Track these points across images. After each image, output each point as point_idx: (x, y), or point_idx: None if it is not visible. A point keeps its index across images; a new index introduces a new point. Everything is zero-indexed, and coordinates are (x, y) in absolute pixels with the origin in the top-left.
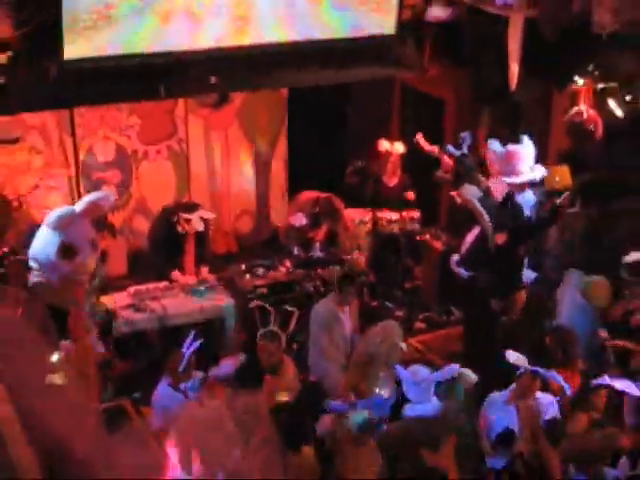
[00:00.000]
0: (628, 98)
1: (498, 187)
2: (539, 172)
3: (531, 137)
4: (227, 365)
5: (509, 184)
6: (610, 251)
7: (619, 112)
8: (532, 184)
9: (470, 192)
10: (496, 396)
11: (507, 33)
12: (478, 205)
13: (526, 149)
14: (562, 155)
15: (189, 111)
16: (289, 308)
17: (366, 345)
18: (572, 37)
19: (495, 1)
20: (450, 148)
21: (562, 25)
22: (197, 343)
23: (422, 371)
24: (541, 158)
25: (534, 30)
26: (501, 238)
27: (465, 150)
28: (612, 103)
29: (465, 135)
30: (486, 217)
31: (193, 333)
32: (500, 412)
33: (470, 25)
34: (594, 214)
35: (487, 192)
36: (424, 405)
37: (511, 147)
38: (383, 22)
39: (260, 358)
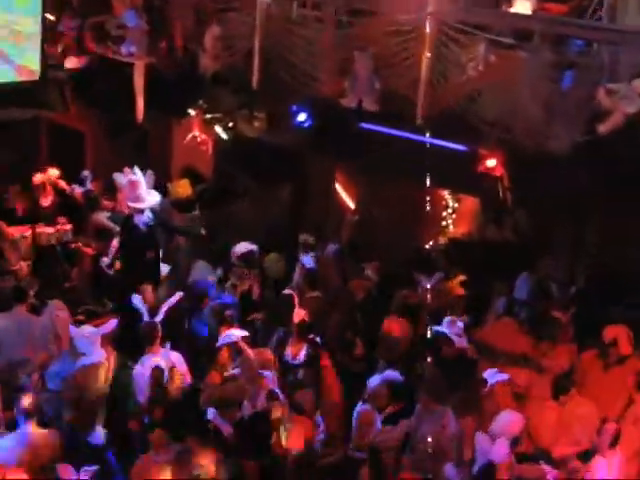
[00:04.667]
0: (230, 125)
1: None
2: (154, 197)
3: (157, 159)
4: None
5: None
6: (222, 246)
7: (224, 135)
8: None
9: (102, 216)
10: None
11: (133, 75)
12: (110, 224)
13: (141, 179)
14: (182, 171)
15: None
16: None
17: None
18: (185, 77)
19: (121, 51)
20: (75, 187)
21: (173, 68)
22: None
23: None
24: (166, 174)
25: (155, 72)
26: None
27: (88, 186)
28: (218, 129)
29: (86, 174)
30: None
31: None
32: None
33: (102, 70)
34: (209, 215)
35: (114, 211)
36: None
37: (132, 178)
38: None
39: None
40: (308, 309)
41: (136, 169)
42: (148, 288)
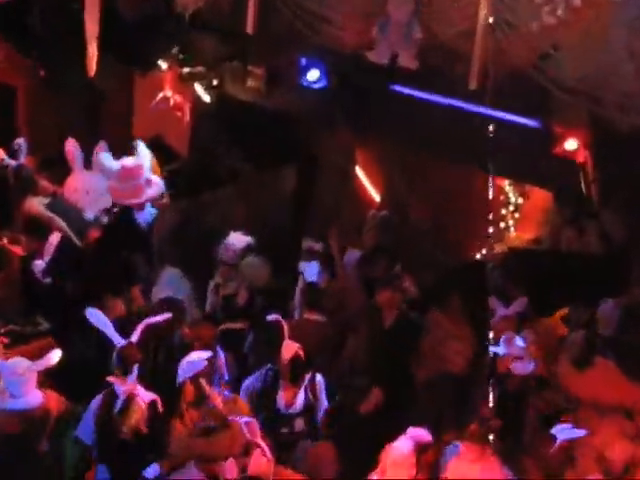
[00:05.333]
0: (215, 82)
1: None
2: (157, 187)
3: (113, 126)
4: None
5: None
6: (201, 243)
7: (206, 97)
8: None
9: (37, 203)
10: None
11: (83, 11)
12: (49, 214)
13: (144, 161)
14: (148, 144)
15: None
16: None
17: None
18: (154, 17)
19: None
20: (5, 159)
21: (138, 3)
22: None
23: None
24: (125, 147)
25: (112, 8)
26: (95, 233)
27: (22, 159)
28: (198, 88)
29: (20, 142)
30: (61, 223)
31: None
32: None
33: (38, 3)
34: (183, 205)
35: (55, 196)
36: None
37: (127, 163)
38: None
39: None
40: (305, 338)
41: (139, 143)
42: (118, 301)
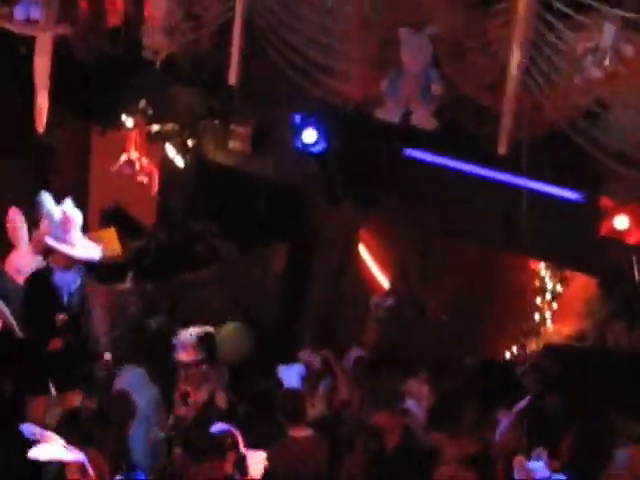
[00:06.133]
0: (190, 143)
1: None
2: (94, 250)
3: (66, 192)
4: None
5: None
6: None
7: (179, 161)
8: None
9: None
10: None
11: (32, 56)
12: None
13: (77, 214)
14: (108, 215)
15: None
16: None
17: None
18: (117, 63)
19: (15, 17)
20: None
21: (99, 48)
22: None
23: None
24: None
25: (67, 51)
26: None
27: None
28: (170, 150)
29: None
30: (3, 308)
31: None
32: None
33: None
34: (150, 291)
35: (1, 274)
36: None
37: (68, 210)
38: None
39: None
40: (293, 463)
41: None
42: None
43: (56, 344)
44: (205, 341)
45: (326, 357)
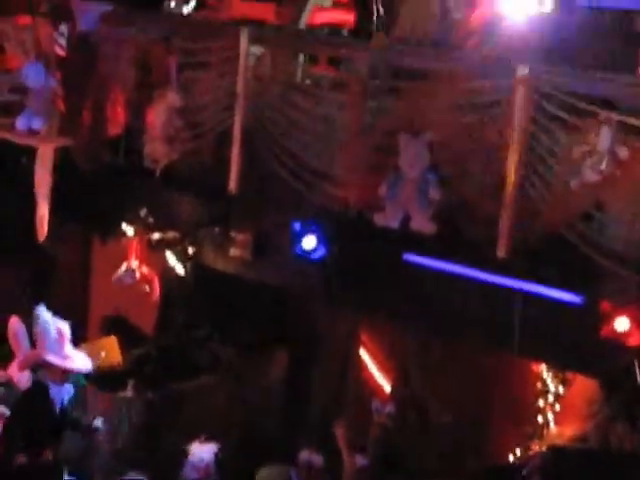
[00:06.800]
0: (191, 251)
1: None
2: (88, 361)
3: (67, 301)
4: None
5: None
6: (172, 444)
7: (180, 269)
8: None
9: None
10: None
11: (33, 165)
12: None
13: (67, 327)
14: (108, 323)
15: None
16: None
17: None
18: (118, 173)
19: (16, 127)
20: None
21: (100, 158)
22: None
23: None
24: (81, 327)
25: (68, 161)
26: None
27: None
28: (171, 258)
29: None
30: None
31: None
32: None
33: None
34: (153, 399)
35: (9, 384)
36: None
37: (60, 324)
38: None
39: None
40: None
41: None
42: None
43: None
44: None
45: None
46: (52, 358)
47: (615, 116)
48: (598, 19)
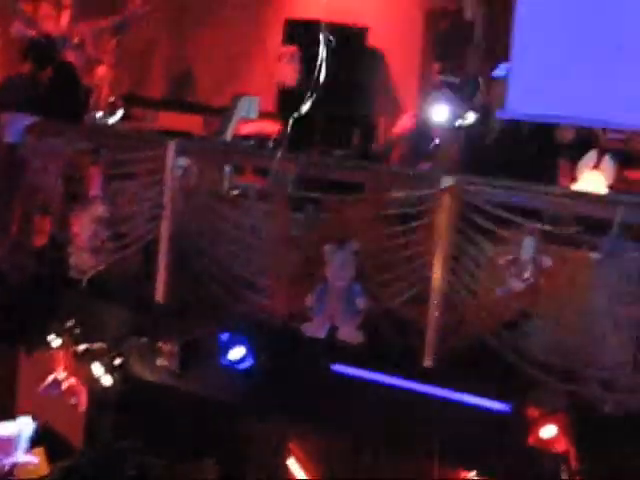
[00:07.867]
0: (118, 361)
1: None
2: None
3: None
4: None
5: None
6: None
7: (107, 379)
8: None
9: None
10: None
11: None
12: None
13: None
14: (34, 435)
15: None
16: None
17: None
18: (41, 283)
19: None
20: None
21: (23, 269)
22: None
23: None
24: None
25: None
26: None
27: None
28: (97, 369)
29: None
30: None
31: None
32: None
33: None
34: None
35: None
36: None
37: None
38: None
39: None
40: None
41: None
42: None
43: None
44: None
45: None
46: None
47: (537, 226)
48: (516, 131)
